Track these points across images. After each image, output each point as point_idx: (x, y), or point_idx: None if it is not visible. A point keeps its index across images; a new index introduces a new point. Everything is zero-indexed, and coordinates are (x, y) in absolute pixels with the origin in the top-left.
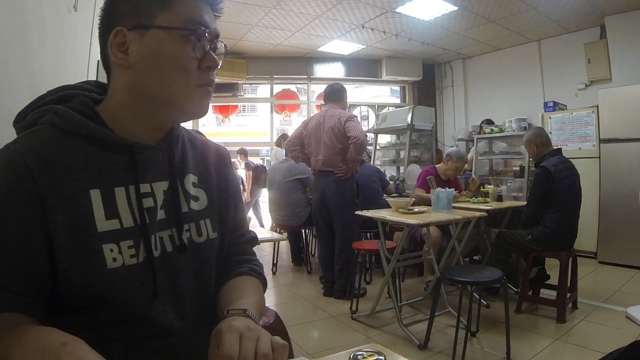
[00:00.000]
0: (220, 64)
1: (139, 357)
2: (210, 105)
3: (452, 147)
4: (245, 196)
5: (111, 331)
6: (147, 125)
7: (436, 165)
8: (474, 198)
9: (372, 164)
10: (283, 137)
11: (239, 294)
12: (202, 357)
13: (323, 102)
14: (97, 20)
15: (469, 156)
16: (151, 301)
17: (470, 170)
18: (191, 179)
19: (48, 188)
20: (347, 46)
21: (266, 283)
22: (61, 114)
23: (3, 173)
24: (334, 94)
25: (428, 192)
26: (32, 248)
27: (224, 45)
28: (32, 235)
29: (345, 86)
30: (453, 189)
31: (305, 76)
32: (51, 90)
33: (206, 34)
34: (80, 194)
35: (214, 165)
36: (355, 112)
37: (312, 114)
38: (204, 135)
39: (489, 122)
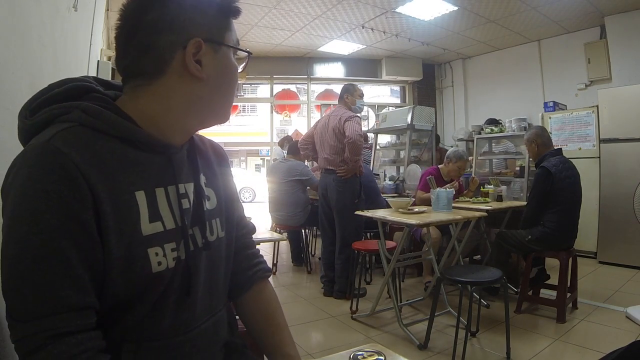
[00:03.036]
0: None
1: (149, 356)
2: None
3: (452, 147)
4: None
5: (123, 331)
6: (186, 131)
7: (439, 166)
8: (474, 198)
9: (371, 167)
10: (287, 139)
11: (280, 333)
12: (205, 355)
13: (325, 102)
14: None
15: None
16: (174, 298)
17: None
18: (202, 179)
19: (99, 191)
20: (347, 46)
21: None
22: (92, 112)
23: (50, 175)
24: (340, 94)
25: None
26: (98, 260)
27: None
28: (97, 245)
29: (352, 85)
30: (453, 189)
31: (305, 76)
32: (54, 84)
33: (249, 55)
34: (126, 196)
35: (216, 164)
36: None
37: (312, 114)
38: (200, 135)
39: (493, 121)
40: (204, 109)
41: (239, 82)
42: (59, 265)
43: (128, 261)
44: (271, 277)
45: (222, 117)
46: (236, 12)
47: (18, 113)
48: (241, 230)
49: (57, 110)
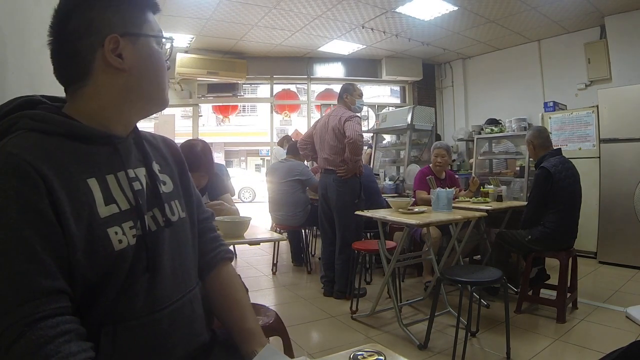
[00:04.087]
0: None
1: (127, 336)
2: (210, 105)
3: (451, 146)
4: None
5: (98, 314)
6: (127, 121)
7: (430, 165)
8: (474, 198)
9: (372, 163)
10: (286, 138)
11: (240, 309)
12: (185, 331)
13: (325, 102)
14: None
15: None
16: (142, 276)
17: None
18: (156, 166)
19: (52, 180)
20: (347, 46)
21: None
22: (39, 117)
23: (5, 175)
24: (339, 94)
25: (427, 191)
26: (61, 244)
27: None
28: (57, 231)
29: (351, 84)
30: (453, 188)
31: (305, 76)
32: (9, 101)
33: (171, 41)
34: (80, 184)
35: (168, 154)
36: None
37: (312, 114)
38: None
39: (493, 121)
40: (136, 97)
41: (239, 82)
42: (24, 254)
43: (90, 242)
44: (271, 277)
45: (158, 102)
46: (153, 6)
47: None
48: (202, 214)
49: (6, 124)
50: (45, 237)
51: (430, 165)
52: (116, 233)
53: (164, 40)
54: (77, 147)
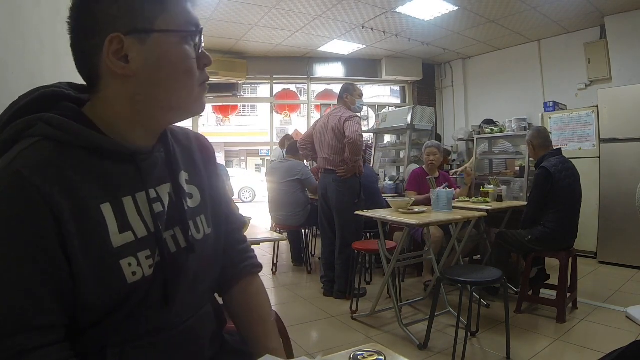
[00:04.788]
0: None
1: (134, 355)
2: (210, 105)
3: (451, 147)
4: None
5: (104, 334)
6: (147, 131)
7: (423, 166)
8: (474, 198)
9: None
10: (287, 137)
11: (264, 325)
12: (194, 348)
13: (325, 102)
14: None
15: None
16: (157, 303)
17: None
18: (183, 176)
19: (62, 210)
20: (347, 46)
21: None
22: (56, 124)
23: (10, 201)
24: (339, 94)
25: (418, 192)
26: (64, 279)
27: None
28: (62, 266)
29: (351, 84)
30: (453, 189)
31: (305, 76)
32: (24, 94)
33: (200, 33)
34: (92, 212)
35: (200, 157)
36: None
37: (312, 114)
38: (180, 127)
39: (489, 122)
40: (150, 106)
41: (239, 82)
42: (23, 289)
43: (101, 275)
44: (271, 277)
45: (183, 110)
46: None
47: None
48: (231, 225)
49: (21, 125)
50: (47, 271)
51: (424, 166)
52: (130, 265)
53: (199, 32)
54: (94, 164)
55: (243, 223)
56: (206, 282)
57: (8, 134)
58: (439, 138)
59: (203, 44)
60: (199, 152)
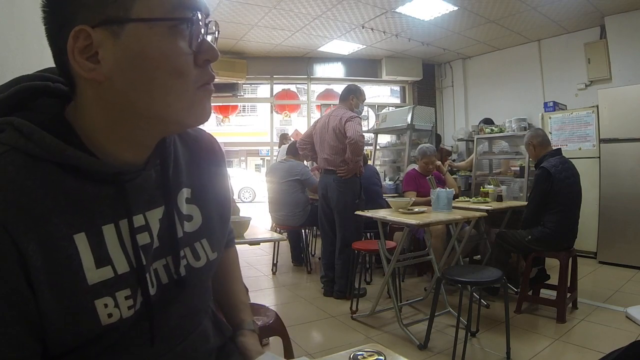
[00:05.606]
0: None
1: None
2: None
3: (451, 146)
4: None
5: None
6: (134, 146)
7: (415, 167)
8: (474, 198)
9: (372, 164)
10: (284, 136)
11: (231, 283)
12: None
13: (325, 102)
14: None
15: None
16: (148, 348)
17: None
18: (184, 194)
19: (25, 242)
20: (347, 46)
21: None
22: (27, 132)
23: None
24: (342, 94)
25: (417, 191)
26: (33, 313)
27: (216, 24)
28: (30, 301)
29: (358, 87)
30: (453, 189)
31: (305, 76)
32: (5, 84)
33: (200, 19)
34: (62, 243)
35: (208, 168)
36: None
37: (312, 114)
38: (195, 129)
39: (488, 121)
40: (130, 116)
41: (239, 82)
42: None
43: (72, 315)
44: (271, 277)
45: (173, 119)
46: None
47: None
48: (230, 234)
49: None
50: (16, 306)
51: (417, 168)
52: (106, 306)
53: (197, 18)
54: (69, 185)
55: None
56: (199, 305)
57: None
58: (439, 138)
59: (209, 34)
60: (207, 158)
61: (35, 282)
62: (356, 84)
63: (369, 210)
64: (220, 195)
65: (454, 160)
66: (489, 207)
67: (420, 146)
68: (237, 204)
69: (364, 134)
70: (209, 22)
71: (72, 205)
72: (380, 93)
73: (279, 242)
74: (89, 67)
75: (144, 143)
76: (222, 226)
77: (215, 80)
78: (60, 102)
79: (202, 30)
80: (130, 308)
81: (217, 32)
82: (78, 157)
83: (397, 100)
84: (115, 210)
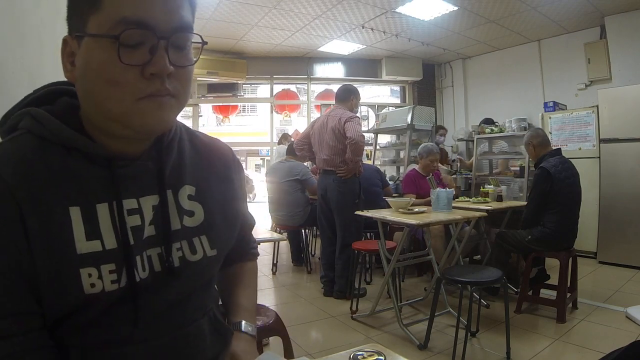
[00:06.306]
0: (194, 60)
1: None
2: (210, 105)
3: (451, 147)
4: None
5: (69, 337)
6: (121, 138)
7: (415, 167)
8: (474, 198)
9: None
10: (284, 136)
11: (243, 288)
12: None
13: (325, 103)
14: None
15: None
16: (131, 329)
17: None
18: (187, 191)
19: (26, 206)
20: (347, 46)
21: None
22: (39, 118)
23: None
24: (342, 94)
25: (417, 192)
26: (31, 272)
27: (201, 38)
28: (27, 258)
29: (356, 88)
30: (453, 189)
31: (305, 76)
32: (40, 87)
33: (138, 35)
34: (58, 211)
35: (216, 171)
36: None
37: (312, 114)
38: (209, 136)
39: (489, 121)
40: (94, 114)
41: (239, 82)
42: None
43: (59, 279)
44: (271, 277)
45: (122, 123)
46: None
47: None
48: (252, 249)
49: (17, 118)
50: (19, 263)
51: (418, 168)
52: (90, 275)
53: (134, 33)
54: (71, 164)
55: (251, 225)
56: (198, 299)
57: (8, 125)
58: (444, 131)
59: (176, 47)
60: (216, 163)
61: (32, 242)
62: (352, 84)
63: (369, 210)
64: (227, 197)
65: (453, 161)
66: (489, 207)
67: (424, 144)
68: None
69: (363, 134)
70: (180, 35)
71: (70, 181)
72: (380, 93)
73: (279, 242)
74: (68, 68)
75: (130, 137)
76: (227, 227)
77: (216, 80)
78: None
79: (149, 48)
80: (113, 282)
81: (202, 43)
82: (76, 139)
83: (397, 100)
84: (108, 191)
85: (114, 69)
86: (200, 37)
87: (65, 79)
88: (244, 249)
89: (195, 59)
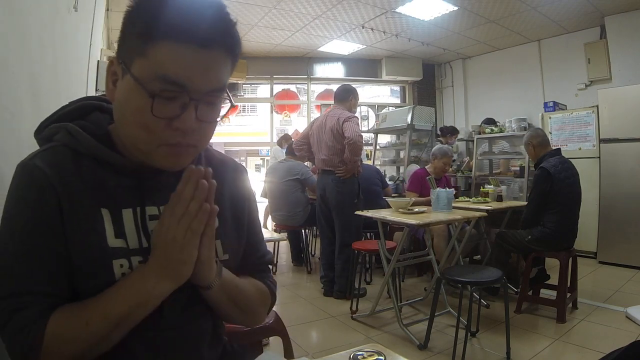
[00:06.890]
0: (221, 115)
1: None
2: None
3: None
4: None
5: None
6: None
7: (426, 167)
8: (474, 198)
9: (372, 163)
10: (285, 137)
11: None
12: (185, 351)
13: (325, 103)
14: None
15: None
16: (158, 318)
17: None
18: None
19: (65, 201)
20: (347, 46)
21: (274, 296)
22: (74, 133)
23: (28, 187)
24: (341, 94)
25: (420, 193)
26: (64, 256)
27: (230, 100)
28: (62, 242)
29: (355, 88)
30: (453, 189)
31: (305, 76)
32: (73, 101)
33: (174, 92)
34: (92, 211)
35: (228, 185)
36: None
37: (312, 114)
38: (218, 151)
39: (490, 121)
40: (125, 138)
41: (239, 82)
42: (34, 258)
43: (91, 266)
44: None
45: (145, 155)
46: (154, 38)
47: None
48: (260, 258)
49: (54, 130)
50: (52, 247)
51: (428, 168)
52: (121, 266)
53: (172, 96)
54: (100, 174)
55: (268, 261)
56: (202, 303)
57: (45, 134)
58: (455, 131)
59: (206, 103)
60: (230, 179)
61: (67, 231)
62: (351, 84)
63: (369, 210)
64: (236, 198)
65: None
66: (489, 207)
67: (439, 146)
68: None
69: (362, 133)
70: (211, 96)
71: (100, 188)
72: (380, 93)
73: (279, 242)
74: (110, 87)
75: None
76: (236, 227)
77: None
78: (110, 117)
79: (181, 107)
80: None
81: (231, 104)
82: (106, 153)
83: (397, 100)
84: (133, 198)
85: (147, 116)
86: (230, 99)
87: (94, 94)
88: (253, 262)
89: (222, 115)
